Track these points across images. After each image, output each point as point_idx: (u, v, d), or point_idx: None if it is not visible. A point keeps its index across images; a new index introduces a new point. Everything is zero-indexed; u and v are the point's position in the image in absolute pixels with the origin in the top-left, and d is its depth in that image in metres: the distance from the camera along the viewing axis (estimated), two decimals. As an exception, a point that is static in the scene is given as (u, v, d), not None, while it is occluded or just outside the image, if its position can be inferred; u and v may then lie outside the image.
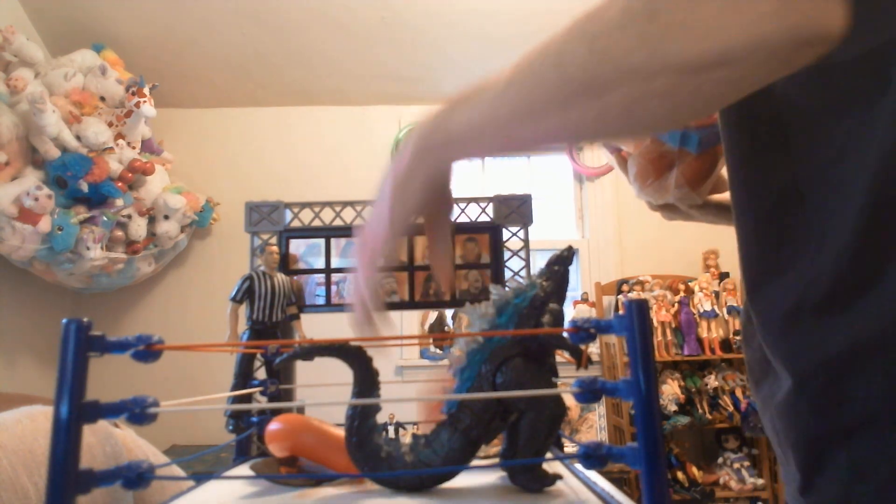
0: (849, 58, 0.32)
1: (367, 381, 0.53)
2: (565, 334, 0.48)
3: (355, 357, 0.53)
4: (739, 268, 0.50)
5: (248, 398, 0.77)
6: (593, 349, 2.66)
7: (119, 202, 2.22)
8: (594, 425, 2.54)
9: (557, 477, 0.52)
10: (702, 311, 2.48)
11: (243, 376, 0.78)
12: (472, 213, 1.01)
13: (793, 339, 0.43)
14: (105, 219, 2.15)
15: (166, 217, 2.41)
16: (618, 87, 0.33)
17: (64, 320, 0.32)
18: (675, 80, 0.31)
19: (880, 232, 0.38)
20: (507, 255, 0.97)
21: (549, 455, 0.59)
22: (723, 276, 2.61)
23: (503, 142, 0.39)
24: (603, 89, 0.33)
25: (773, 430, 0.48)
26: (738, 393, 2.43)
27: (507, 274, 0.96)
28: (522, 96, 0.37)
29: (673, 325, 2.48)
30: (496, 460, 0.55)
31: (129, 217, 2.30)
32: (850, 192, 0.39)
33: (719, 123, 0.51)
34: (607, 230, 2.83)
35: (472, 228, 0.99)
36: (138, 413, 0.32)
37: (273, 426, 0.62)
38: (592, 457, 0.32)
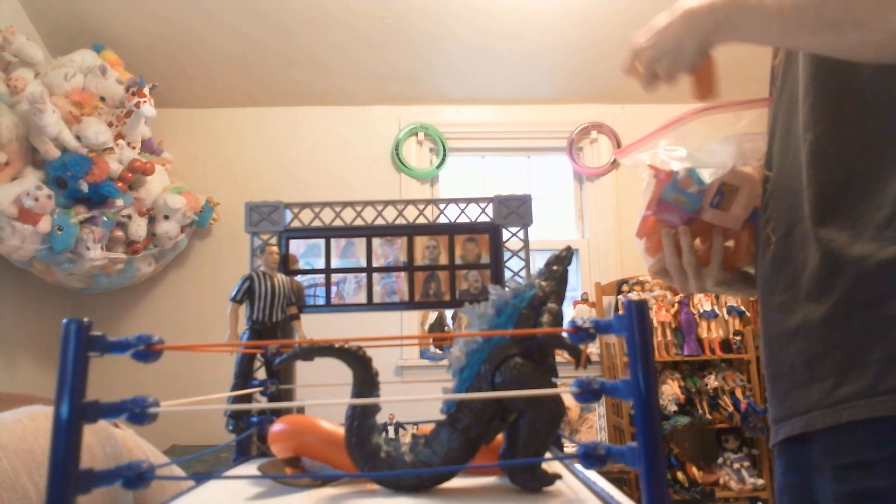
0: None
1: (366, 381, 0.53)
2: (564, 334, 0.48)
3: (355, 357, 0.53)
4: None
5: (248, 398, 0.77)
6: (593, 349, 2.66)
7: (119, 202, 2.22)
8: (594, 425, 2.54)
9: (557, 477, 0.53)
10: (702, 311, 2.48)
11: (243, 376, 0.78)
12: (472, 213, 1.01)
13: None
14: (105, 219, 2.15)
15: (166, 217, 2.41)
16: (852, 31, 0.51)
17: (64, 320, 0.32)
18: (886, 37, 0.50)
19: None
20: (506, 255, 0.97)
21: (548, 455, 0.59)
22: (723, 276, 2.61)
23: (765, 39, 0.60)
24: (841, 29, 0.52)
25: (809, 343, 0.57)
26: (738, 393, 2.43)
27: (507, 274, 0.96)
28: (790, 16, 0.54)
29: (673, 326, 2.48)
30: (496, 460, 0.55)
31: (129, 217, 2.30)
32: None
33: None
34: (607, 230, 2.83)
35: (472, 228, 0.99)
36: (138, 413, 0.32)
37: (277, 427, 0.62)
38: (592, 457, 0.32)
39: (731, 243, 0.72)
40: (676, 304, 2.51)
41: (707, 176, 0.67)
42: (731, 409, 2.40)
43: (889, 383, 0.51)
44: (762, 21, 0.57)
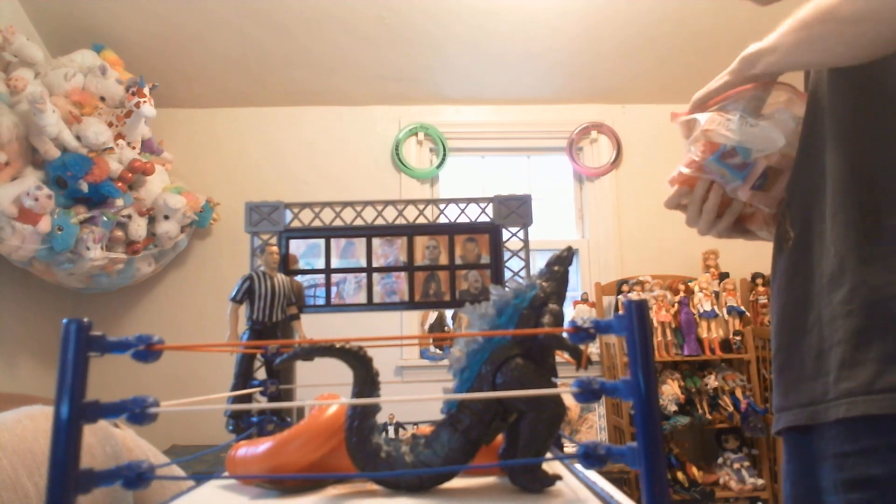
0: None
1: (367, 381, 0.53)
2: (565, 335, 0.48)
3: (355, 357, 0.53)
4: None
5: (248, 398, 0.77)
6: (593, 349, 2.66)
7: (119, 202, 2.22)
8: (594, 425, 2.54)
9: (557, 477, 0.52)
10: (702, 311, 2.48)
11: (243, 376, 0.78)
12: (472, 213, 1.01)
13: None
14: (105, 219, 2.15)
15: (166, 217, 2.41)
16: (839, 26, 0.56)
17: (64, 320, 0.32)
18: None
19: None
20: (507, 255, 0.97)
21: (549, 455, 0.59)
22: (723, 276, 2.61)
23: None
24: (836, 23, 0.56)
25: (819, 339, 0.60)
26: (738, 393, 2.43)
27: (507, 274, 0.96)
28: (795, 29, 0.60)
29: (673, 326, 2.48)
30: (496, 460, 0.55)
31: (129, 217, 2.30)
32: None
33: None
34: (607, 230, 2.83)
35: (472, 228, 0.99)
36: (138, 413, 0.32)
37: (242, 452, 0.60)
38: (592, 457, 0.32)
39: (750, 208, 0.72)
40: (676, 304, 2.51)
41: (754, 155, 0.66)
42: (731, 409, 2.40)
43: (885, 382, 0.54)
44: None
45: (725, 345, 2.48)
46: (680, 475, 2.41)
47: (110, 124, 2.16)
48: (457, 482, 0.55)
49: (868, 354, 0.55)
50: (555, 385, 0.54)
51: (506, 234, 0.98)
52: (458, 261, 0.98)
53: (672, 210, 0.77)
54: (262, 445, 0.59)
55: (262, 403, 0.80)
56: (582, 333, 0.35)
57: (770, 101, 0.68)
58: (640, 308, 0.32)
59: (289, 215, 0.98)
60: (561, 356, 0.55)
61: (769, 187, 0.67)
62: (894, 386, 0.54)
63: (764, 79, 0.66)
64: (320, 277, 0.98)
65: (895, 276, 0.55)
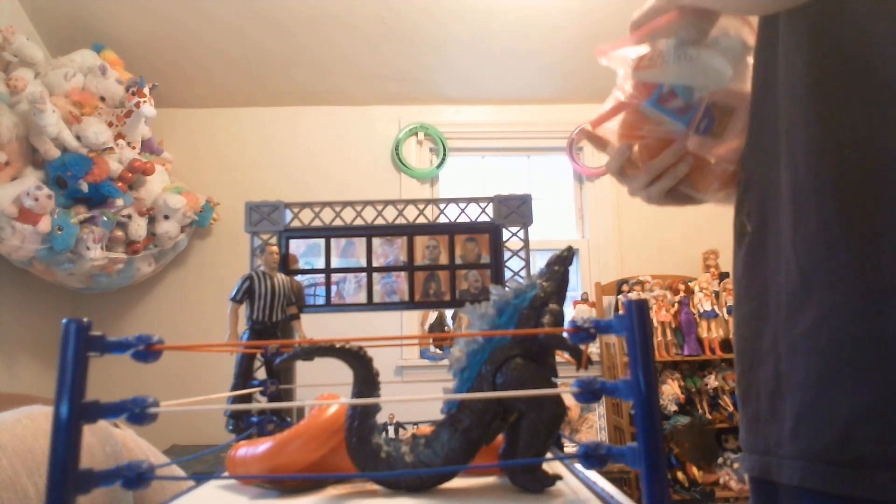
0: None
1: (367, 381, 0.53)
2: (565, 334, 0.48)
3: (356, 357, 0.53)
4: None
5: (248, 398, 0.77)
6: (593, 349, 2.66)
7: (119, 202, 2.22)
8: (594, 425, 2.54)
9: (557, 477, 0.52)
10: (702, 311, 2.48)
11: (243, 376, 0.78)
12: (472, 213, 1.01)
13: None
14: (105, 219, 2.15)
15: (166, 217, 2.41)
16: None
17: (64, 320, 0.31)
18: None
19: None
20: (507, 255, 0.97)
21: (549, 455, 0.59)
22: (723, 276, 2.61)
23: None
24: None
25: (775, 374, 0.48)
26: (738, 393, 2.43)
27: (507, 274, 0.96)
28: None
29: (673, 325, 2.48)
30: (496, 460, 0.55)
31: (129, 217, 2.30)
32: None
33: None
34: (607, 230, 2.83)
35: (472, 228, 0.99)
36: (138, 413, 0.32)
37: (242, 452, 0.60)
38: (592, 457, 0.32)
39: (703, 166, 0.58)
40: (676, 304, 2.51)
41: (697, 95, 0.54)
42: (731, 408, 2.40)
43: (851, 451, 0.41)
44: None
45: (725, 345, 2.48)
46: (680, 475, 2.41)
47: (110, 124, 2.16)
48: (457, 482, 0.55)
49: (834, 410, 0.42)
50: (555, 385, 0.54)
51: (506, 234, 0.98)
52: (458, 261, 0.98)
53: (616, 176, 0.62)
54: (262, 445, 0.59)
55: (262, 403, 0.80)
56: (582, 333, 0.35)
57: (714, 30, 0.55)
58: (641, 308, 0.32)
59: (289, 215, 0.98)
60: (561, 356, 0.55)
61: (719, 131, 0.54)
62: (862, 458, 0.40)
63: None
64: (320, 277, 0.98)
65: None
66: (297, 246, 0.98)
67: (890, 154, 0.42)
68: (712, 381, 2.45)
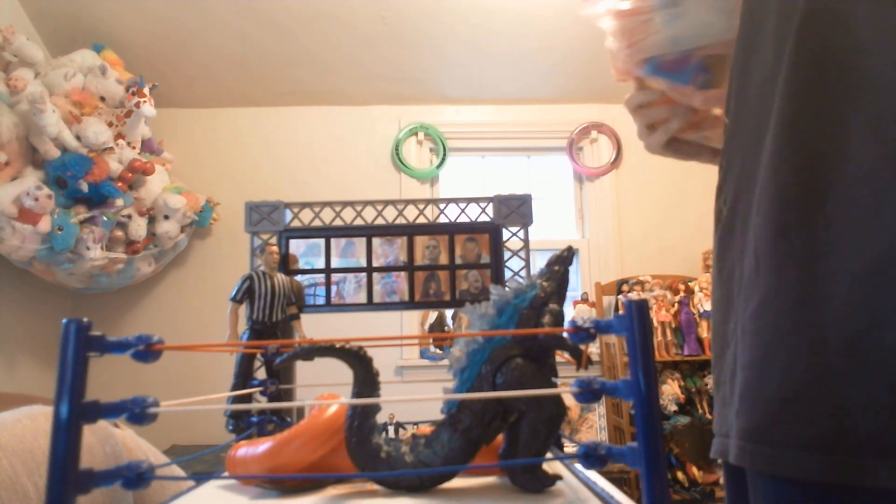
0: None
1: (367, 381, 0.53)
2: (565, 334, 0.48)
3: (355, 357, 0.53)
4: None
5: (248, 398, 0.77)
6: (593, 349, 2.66)
7: (119, 202, 2.22)
8: (594, 425, 2.54)
9: (557, 477, 0.52)
10: (702, 311, 2.48)
11: (243, 376, 0.78)
12: (472, 213, 1.01)
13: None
14: (105, 219, 2.15)
15: (166, 217, 2.41)
16: None
17: (64, 320, 0.31)
18: None
19: None
20: (507, 255, 0.97)
21: (549, 455, 0.59)
22: (723, 276, 2.61)
23: None
24: None
25: (733, 356, 0.48)
26: (738, 393, 2.43)
27: (507, 274, 0.96)
28: None
29: (673, 325, 2.48)
30: (496, 460, 0.55)
31: (129, 217, 2.30)
32: None
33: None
34: (607, 230, 2.83)
35: (472, 228, 0.99)
36: (138, 413, 0.32)
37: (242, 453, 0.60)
38: (592, 457, 0.32)
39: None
40: (676, 304, 2.51)
41: (688, 45, 0.52)
42: (731, 409, 2.40)
43: (774, 434, 0.42)
44: None
45: (725, 345, 2.48)
46: (680, 475, 2.41)
47: (110, 124, 2.16)
48: (457, 482, 0.55)
49: (767, 391, 0.42)
50: (555, 385, 0.54)
51: (506, 234, 0.98)
52: (458, 260, 0.98)
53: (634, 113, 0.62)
54: (262, 445, 0.59)
55: (262, 403, 0.80)
56: (582, 333, 0.35)
57: None
58: (641, 308, 0.32)
59: (289, 215, 0.98)
60: (561, 356, 0.54)
61: (719, 81, 0.53)
62: (787, 438, 0.41)
63: None
64: (320, 277, 0.98)
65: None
66: (297, 246, 0.99)
67: (851, 143, 0.41)
68: (712, 381, 2.45)
